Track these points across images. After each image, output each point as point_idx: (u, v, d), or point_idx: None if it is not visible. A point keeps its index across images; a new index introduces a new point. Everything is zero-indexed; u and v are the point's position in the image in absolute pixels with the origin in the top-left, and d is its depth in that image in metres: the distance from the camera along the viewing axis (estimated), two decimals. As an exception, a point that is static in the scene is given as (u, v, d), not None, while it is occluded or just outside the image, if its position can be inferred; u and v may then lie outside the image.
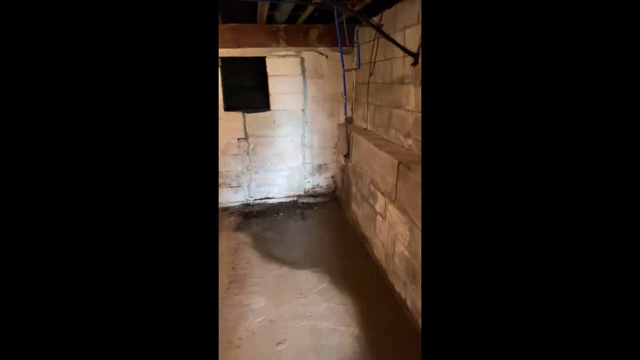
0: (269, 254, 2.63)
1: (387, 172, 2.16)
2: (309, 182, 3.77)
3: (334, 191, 3.82)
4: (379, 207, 2.36)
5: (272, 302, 2.07)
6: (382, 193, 2.27)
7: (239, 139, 3.45)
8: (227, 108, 3.44)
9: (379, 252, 2.41)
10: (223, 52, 3.17)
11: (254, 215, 3.40)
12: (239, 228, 3.10)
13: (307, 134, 3.59)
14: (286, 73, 3.36)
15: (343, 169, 3.41)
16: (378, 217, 2.38)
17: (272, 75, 3.34)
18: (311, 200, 3.73)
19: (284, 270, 2.41)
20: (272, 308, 2.01)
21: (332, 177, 3.80)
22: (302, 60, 3.36)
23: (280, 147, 3.57)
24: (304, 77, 3.42)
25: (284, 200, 3.72)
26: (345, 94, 3.41)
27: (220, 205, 3.57)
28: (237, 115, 3.38)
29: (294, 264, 2.48)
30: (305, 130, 3.58)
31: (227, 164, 3.50)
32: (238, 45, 3.20)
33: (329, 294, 2.14)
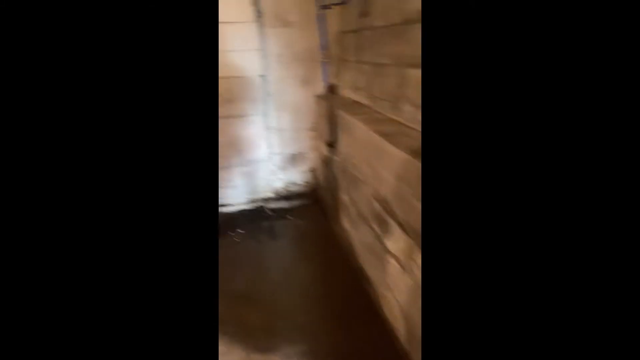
0: (216, 317, 1.63)
1: (410, 190, 1.15)
2: (279, 179, 2.72)
3: (315, 190, 2.80)
4: (393, 246, 1.37)
5: None
6: (400, 225, 1.27)
7: (168, 124, 2.30)
8: (144, 78, 2.25)
9: (392, 315, 1.46)
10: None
11: (202, 235, 2.36)
12: (174, 263, 2.06)
13: (273, 111, 2.48)
14: (232, 19, 2.17)
15: (327, 162, 2.37)
16: (391, 260, 1.40)
17: (210, 23, 2.14)
18: (284, 204, 2.70)
19: None
20: None
21: (312, 170, 2.75)
22: (256, -3, 2.17)
23: (233, 133, 2.46)
24: (261, 25, 2.24)
25: (245, 207, 2.68)
26: (325, 49, 2.29)
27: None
28: (161, 89, 2.21)
29: (256, 342, 1.51)
30: (269, 106, 2.46)
31: (156, 162, 2.37)
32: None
33: (313, 417, 1.20)
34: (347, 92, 2.19)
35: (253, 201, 2.69)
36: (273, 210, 2.63)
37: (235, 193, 2.64)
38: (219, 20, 2.14)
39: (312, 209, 2.64)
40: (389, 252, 1.41)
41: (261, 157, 2.59)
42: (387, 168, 1.33)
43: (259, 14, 2.20)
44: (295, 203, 2.71)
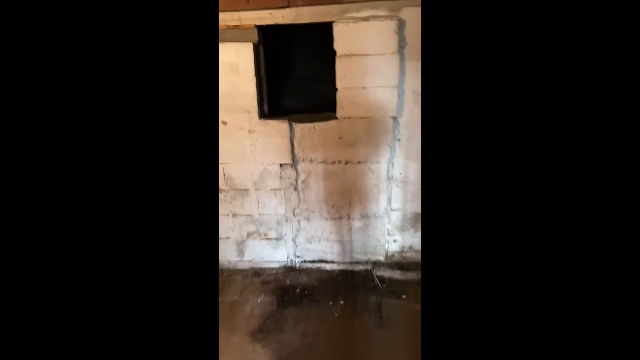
0: None
1: None
2: (395, 241, 2.20)
3: (439, 262, 2.16)
4: None
5: None
6: None
7: (282, 164, 2.09)
8: (265, 114, 2.10)
9: None
10: (262, 17, 1.82)
11: (296, 297, 2.01)
12: (262, 331, 1.75)
13: (399, 159, 2.02)
14: (369, 51, 1.83)
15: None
16: None
17: (343, 56, 1.85)
18: (397, 274, 2.15)
19: None
20: None
21: (439, 237, 2.14)
22: (401, 25, 1.78)
23: (349, 181, 2.08)
24: (402, 58, 1.83)
25: (349, 267, 2.24)
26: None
27: (251, 266, 2.29)
28: (280, 126, 2.01)
29: None
30: (395, 152, 2.00)
31: (263, 203, 2.17)
32: (287, 2, 1.80)
33: None
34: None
35: (360, 262, 2.23)
36: (383, 280, 2.11)
37: (339, 249, 2.24)
38: (355, 52, 1.83)
39: (434, 290, 2.01)
40: None
41: (377, 212, 2.13)
42: None
43: (402, 44, 1.79)
44: (411, 276, 2.13)
